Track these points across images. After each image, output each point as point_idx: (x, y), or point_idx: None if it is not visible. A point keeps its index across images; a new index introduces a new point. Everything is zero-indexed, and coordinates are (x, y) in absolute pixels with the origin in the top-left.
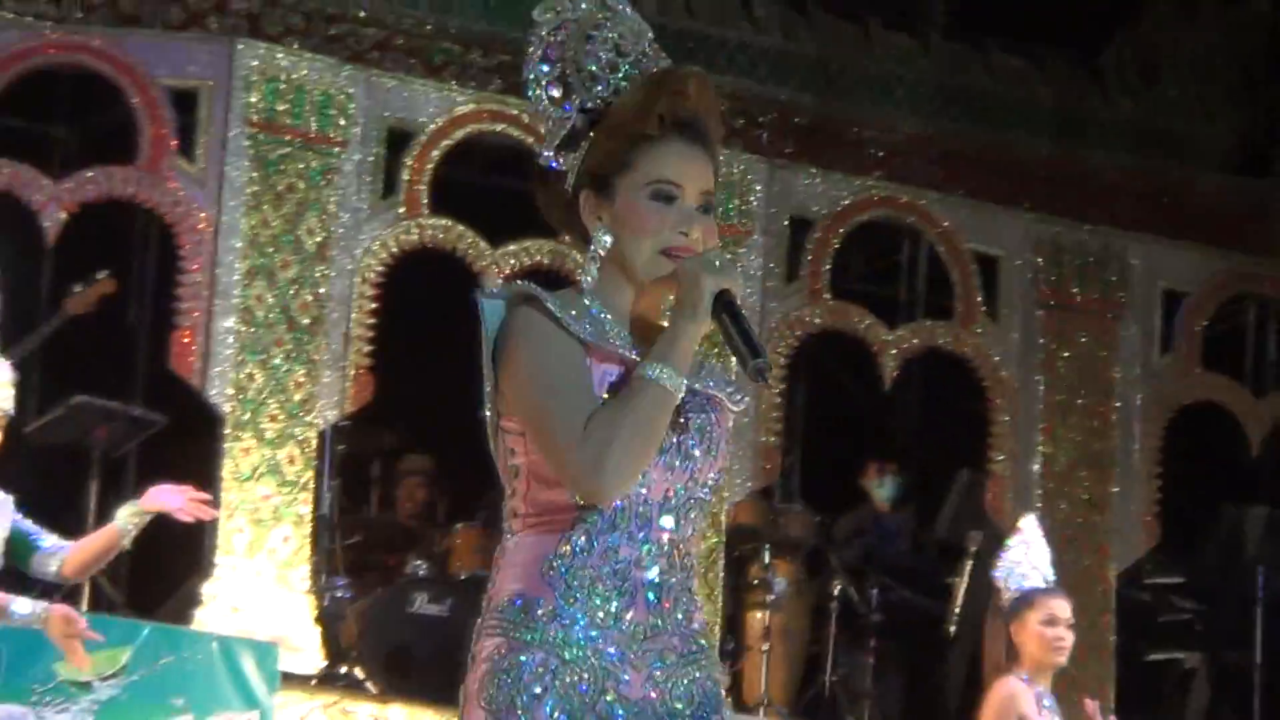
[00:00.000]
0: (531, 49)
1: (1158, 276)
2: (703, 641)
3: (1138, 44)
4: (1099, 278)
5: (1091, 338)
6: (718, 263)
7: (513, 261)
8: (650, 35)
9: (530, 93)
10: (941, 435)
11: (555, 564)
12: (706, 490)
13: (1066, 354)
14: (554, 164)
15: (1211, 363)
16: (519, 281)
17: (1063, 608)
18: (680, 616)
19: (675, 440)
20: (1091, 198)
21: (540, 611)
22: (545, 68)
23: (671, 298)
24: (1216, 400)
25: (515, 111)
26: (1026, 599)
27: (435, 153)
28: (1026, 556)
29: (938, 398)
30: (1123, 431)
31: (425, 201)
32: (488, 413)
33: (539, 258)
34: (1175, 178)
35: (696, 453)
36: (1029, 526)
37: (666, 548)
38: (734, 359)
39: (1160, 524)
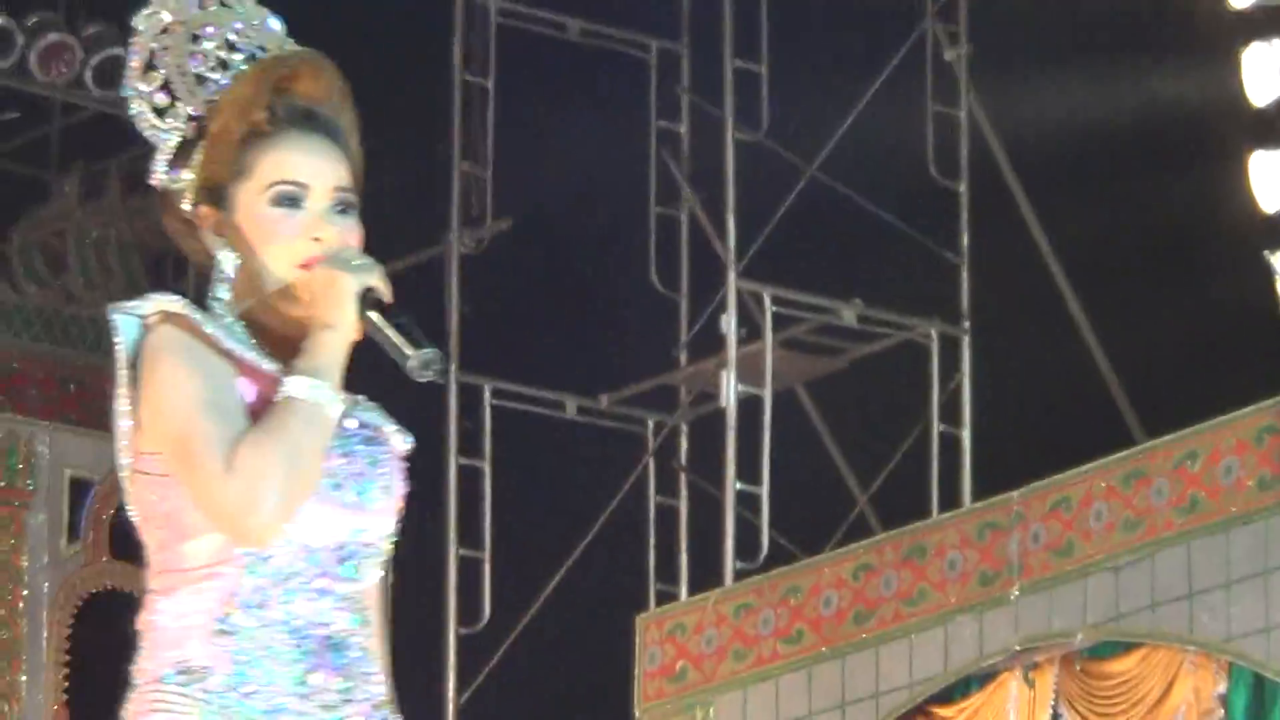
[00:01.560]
0: (132, 57)
1: (64, 464)
2: (388, 711)
3: (42, 230)
4: (4, 465)
5: None
6: (354, 260)
7: None
8: (279, 27)
9: (132, 108)
10: None
11: (225, 626)
12: (386, 533)
13: None
14: (169, 183)
15: (120, 550)
16: (158, 295)
17: None
18: (370, 682)
19: (346, 474)
20: None
21: (212, 681)
22: (147, 80)
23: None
24: (127, 588)
25: None
26: None
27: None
28: None
29: None
30: (30, 620)
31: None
32: (122, 458)
33: None
34: (81, 364)
35: (373, 489)
36: None
37: (349, 601)
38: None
39: (69, 712)
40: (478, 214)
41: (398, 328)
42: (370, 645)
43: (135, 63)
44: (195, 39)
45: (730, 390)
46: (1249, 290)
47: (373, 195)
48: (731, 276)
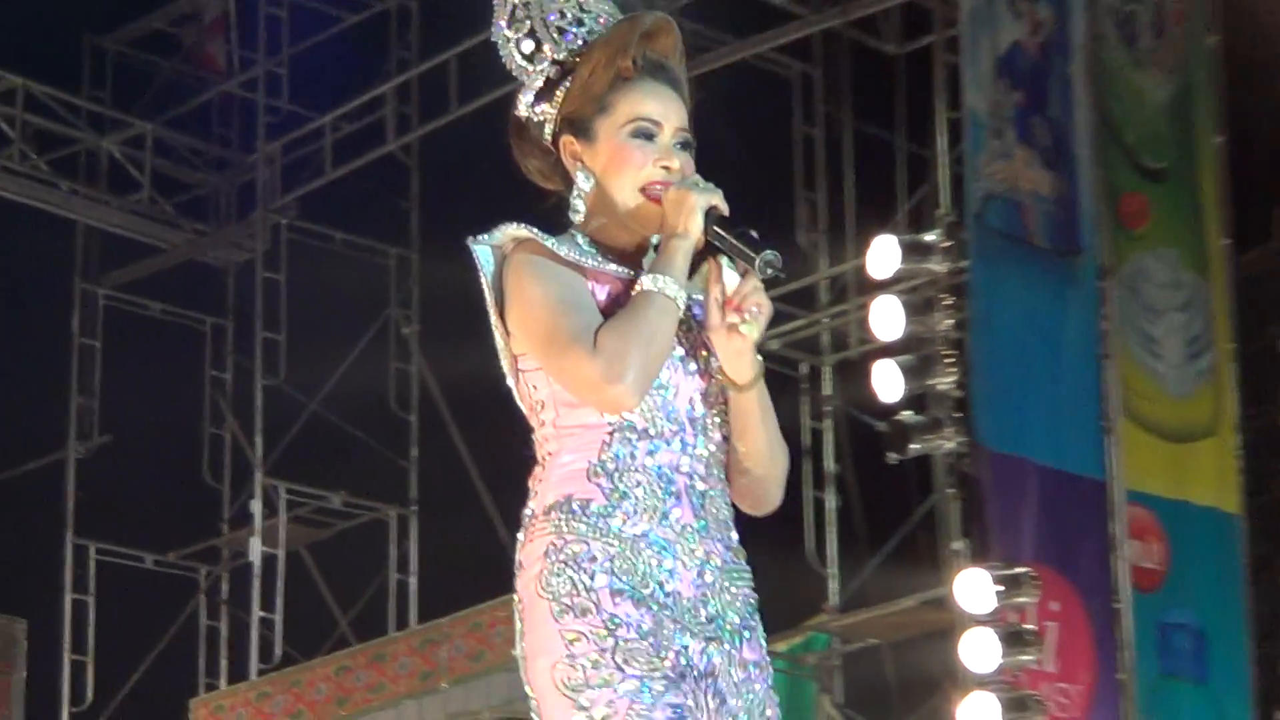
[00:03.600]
0: (497, 11)
1: None
2: (743, 560)
3: None
4: None
5: None
6: (701, 184)
7: None
8: None
9: (502, 52)
10: None
11: (599, 469)
12: (722, 396)
13: None
14: (532, 115)
15: None
16: (509, 224)
17: None
18: (724, 525)
19: (689, 346)
20: None
21: (591, 508)
22: (513, 28)
23: (653, 236)
24: None
25: None
26: None
27: None
28: None
29: None
30: None
31: None
32: (503, 361)
33: None
34: None
35: (711, 359)
36: None
37: (704, 454)
38: (738, 272)
39: None
40: (88, 430)
41: (738, 237)
42: (726, 500)
43: (501, 13)
44: None
45: (256, 551)
46: None
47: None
48: (258, 475)
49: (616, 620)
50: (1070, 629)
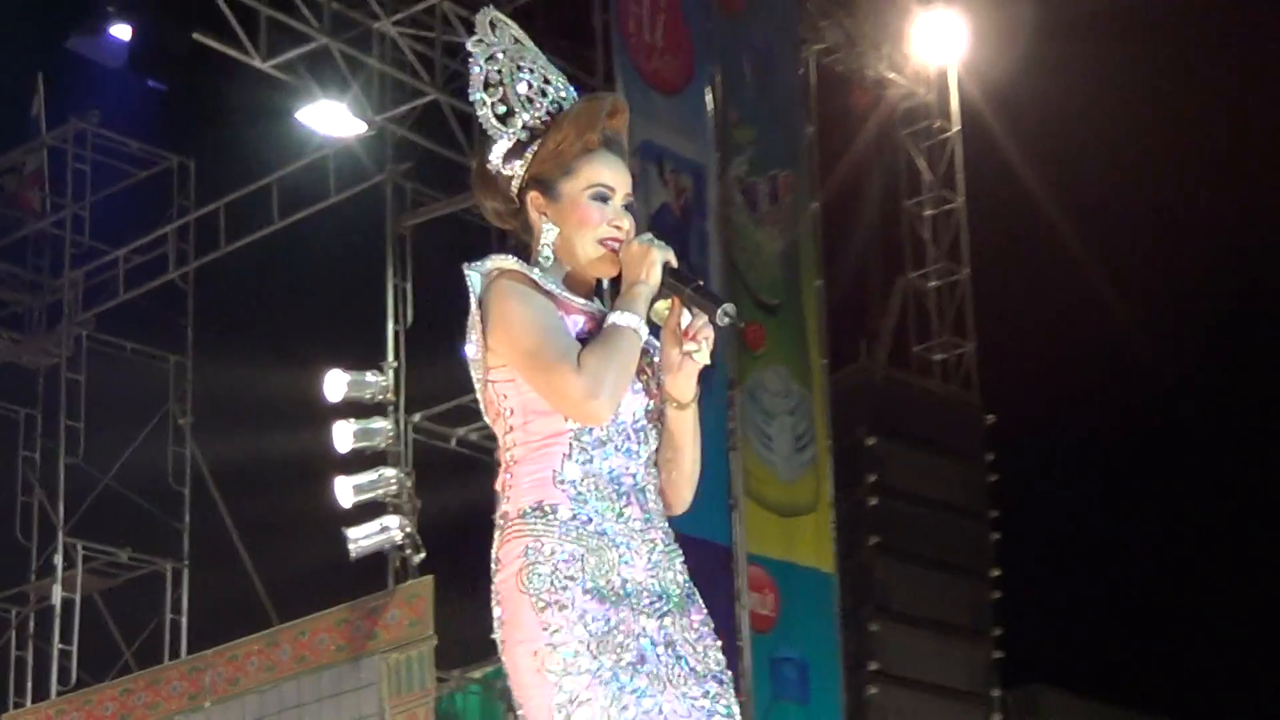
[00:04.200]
0: (474, 74)
1: None
2: (674, 540)
3: None
4: None
5: None
6: (657, 242)
7: None
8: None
9: (479, 113)
10: None
11: (563, 476)
12: (657, 413)
13: None
14: (502, 169)
15: None
16: (496, 255)
17: None
18: (660, 515)
19: (644, 373)
20: None
21: (560, 513)
22: (488, 92)
23: (601, 276)
24: None
25: None
26: None
27: None
28: None
29: None
30: None
31: None
32: (475, 372)
33: None
34: None
35: (654, 384)
36: None
37: (644, 458)
38: (693, 313)
39: None
40: None
41: (695, 289)
42: (659, 492)
43: (477, 81)
44: (519, 68)
45: (58, 596)
46: None
47: None
48: (60, 535)
49: (590, 615)
50: None
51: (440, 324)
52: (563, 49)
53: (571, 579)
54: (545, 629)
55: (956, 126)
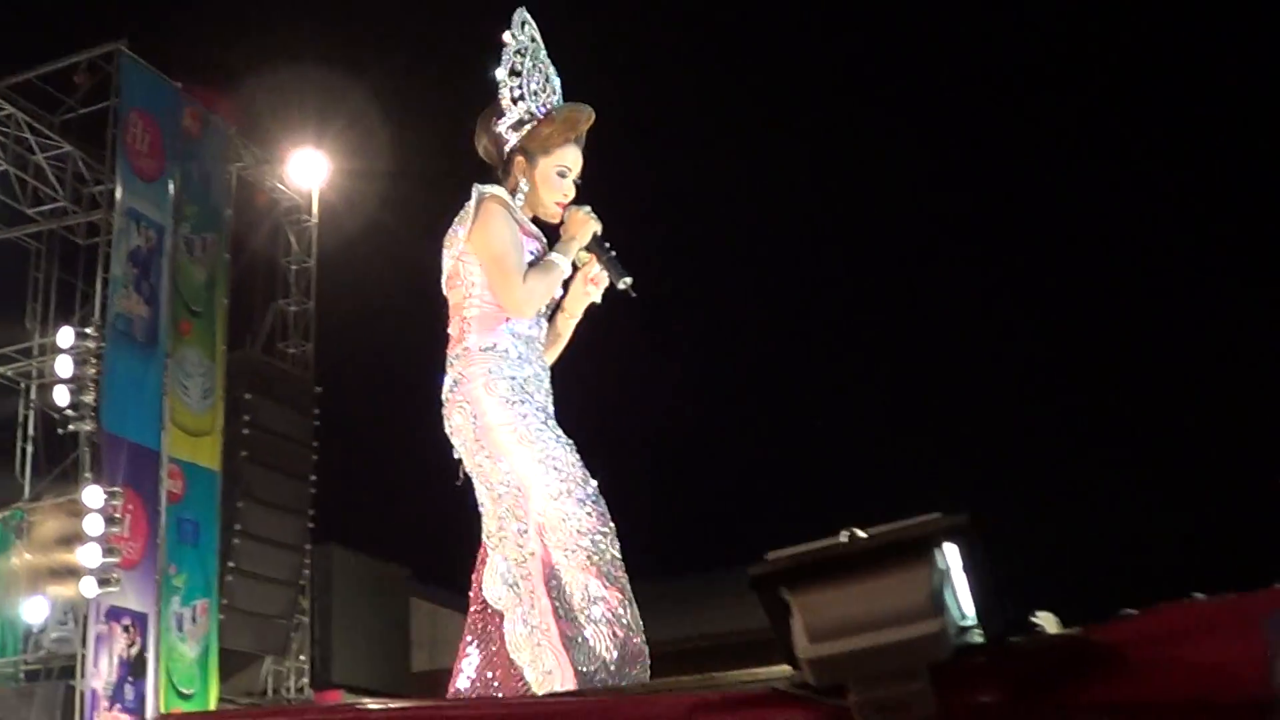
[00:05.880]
0: (504, 61)
1: None
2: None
3: None
4: None
5: None
6: (592, 215)
7: None
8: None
9: (500, 91)
10: None
11: (510, 330)
12: (550, 314)
13: None
14: (504, 134)
15: None
16: (491, 185)
17: None
18: (546, 366)
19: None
20: None
21: (510, 353)
22: (511, 77)
23: (550, 221)
24: None
25: None
26: None
27: None
28: None
29: None
30: None
31: None
32: (450, 250)
33: None
34: None
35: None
36: None
37: (540, 337)
38: (603, 268)
39: None
40: None
41: (612, 257)
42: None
43: (505, 66)
44: (534, 66)
45: None
46: None
47: None
48: None
49: (534, 407)
50: (136, 519)
51: None
52: (85, 148)
53: (523, 388)
54: (516, 414)
55: (316, 219)
